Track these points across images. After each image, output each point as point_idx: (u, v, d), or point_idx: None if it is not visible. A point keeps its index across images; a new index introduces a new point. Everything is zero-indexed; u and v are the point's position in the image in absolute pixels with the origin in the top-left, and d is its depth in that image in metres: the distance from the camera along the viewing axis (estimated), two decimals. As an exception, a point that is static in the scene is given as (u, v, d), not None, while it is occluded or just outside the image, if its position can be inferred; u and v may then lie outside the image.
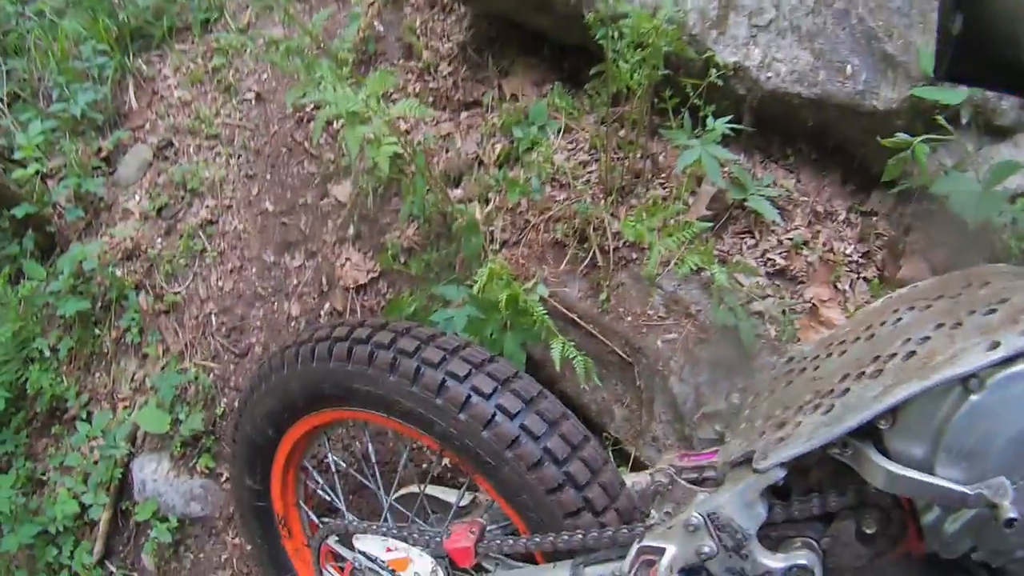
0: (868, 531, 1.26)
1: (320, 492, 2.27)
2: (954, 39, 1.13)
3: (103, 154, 3.62)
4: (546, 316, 2.06)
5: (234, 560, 2.85)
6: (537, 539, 1.56)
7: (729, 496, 1.30)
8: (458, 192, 2.76)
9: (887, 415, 1.14)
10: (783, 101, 2.48)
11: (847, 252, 2.43)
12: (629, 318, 2.40)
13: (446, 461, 2.32)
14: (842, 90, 2.45)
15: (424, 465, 2.62)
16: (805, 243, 2.44)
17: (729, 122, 2.30)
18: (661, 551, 1.38)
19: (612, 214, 2.47)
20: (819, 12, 2.49)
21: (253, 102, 3.51)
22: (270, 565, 2.33)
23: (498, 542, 1.65)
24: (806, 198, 2.54)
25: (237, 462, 2.25)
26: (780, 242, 2.46)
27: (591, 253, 2.49)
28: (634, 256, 2.46)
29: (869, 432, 1.17)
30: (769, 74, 2.48)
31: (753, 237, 2.48)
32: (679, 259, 2.13)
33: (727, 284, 2.11)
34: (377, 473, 2.10)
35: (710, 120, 2.31)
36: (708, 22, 2.47)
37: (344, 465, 2.27)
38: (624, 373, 2.36)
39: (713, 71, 2.26)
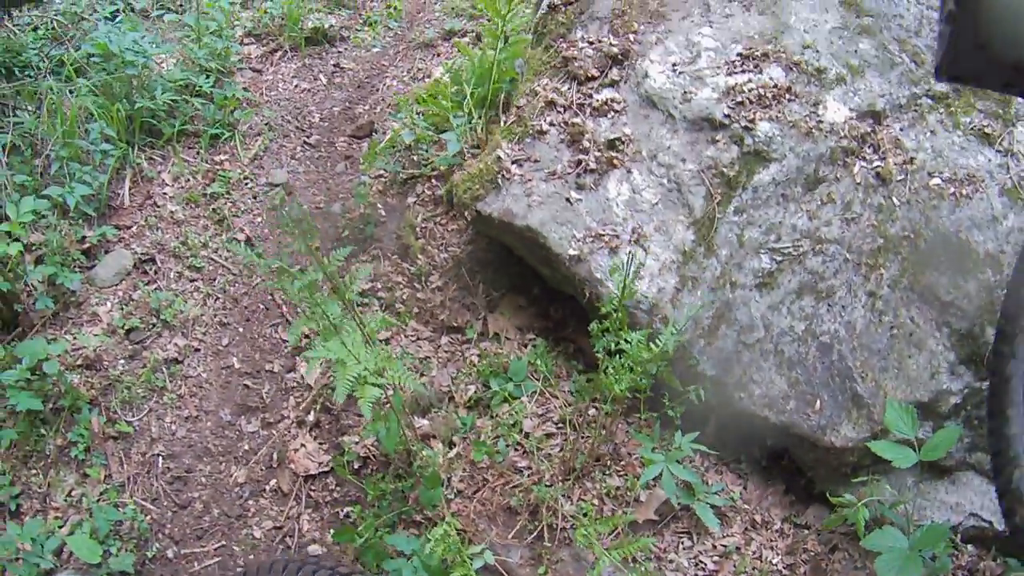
0: None
1: None
2: (954, 39, 1.16)
3: (86, 245, 3.70)
4: None
5: None
6: None
7: None
8: (424, 423, 2.89)
9: None
10: (749, 421, 2.64)
11: (774, 562, 2.59)
12: None
13: None
14: (807, 422, 2.61)
15: None
16: (737, 550, 2.60)
17: (695, 440, 2.55)
18: None
19: (566, 495, 2.63)
20: (805, 341, 2.69)
21: (242, 244, 3.54)
22: None
23: None
24: (748, 506, 2.70)
25: None
26: (714, 547, 2.62)
27: (539, 529, 2.61)
28: (578, 538, 2.55)
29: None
30: (743, 394, 2.64)
31: (691, 539, 2.63)
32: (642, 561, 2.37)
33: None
34: None
35: (678, 436, 2.53)
36: (699, 330, 2.64)
37: None
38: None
39: (691, 390, 2.46)
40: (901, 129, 2.88)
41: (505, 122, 3.03)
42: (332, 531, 2.91)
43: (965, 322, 2.64)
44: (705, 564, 2.56)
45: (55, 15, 4.53)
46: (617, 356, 2.34)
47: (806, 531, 2.66)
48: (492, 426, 2.83)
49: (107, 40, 4.14)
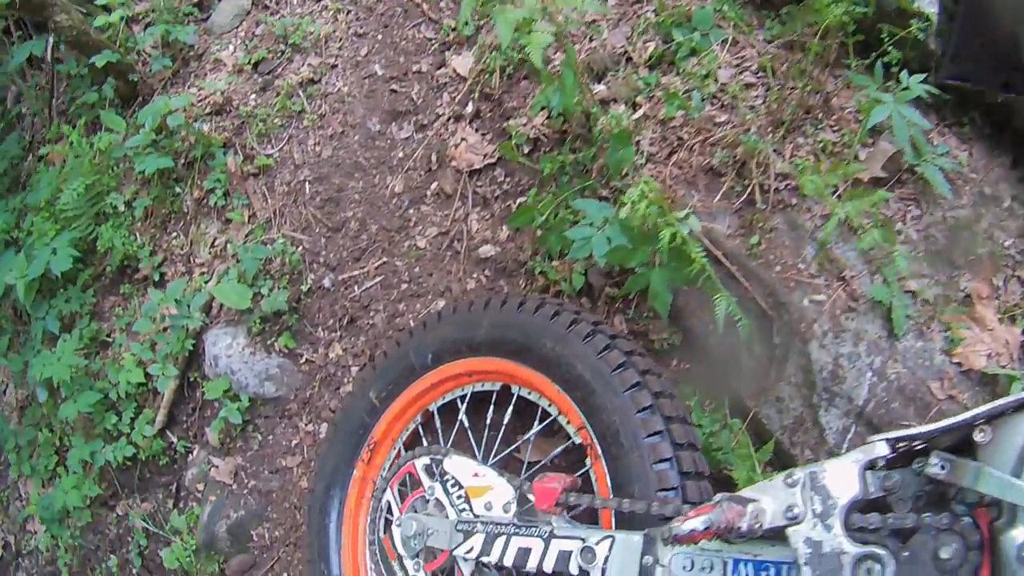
0: (944, 556, 1.37)
1: (425, 438, 2.47)
2: (954, 39, 1.21)
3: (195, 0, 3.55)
4: (707, 264, 2.08)
5: (304, 447, 2.89)
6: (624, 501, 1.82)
7: (834, 462, 1.48)
8: (600, 88, 2.73)
9: (986, 426, 1.31)
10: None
11: (1005, 244, 2.38)
12: (778, 268, 2.36)
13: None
14: None
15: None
16: (968, 226, 2.39)
17: (923, 82, 2.27)
18: (750, 501, 1.55)
19: (776, 150, 2.43)
20: None
21: None
22: (329, 475, 2.54)
23: (581, 496, 1.93)
24: (975, 175, 2.47)
25: (377, 374, 2.50)
26: (944, 218, 2.41)
27: (749, 189, 2.45)
28: (794, 201, 2.42)
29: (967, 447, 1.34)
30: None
31: (919, 207, 2.43)
32: (861, 229, 2.18)
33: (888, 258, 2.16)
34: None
35: (904, 76, 2.28)
36: None
37: (467, 423, 2.41)
38: (761, 324, 2.36)
39: (914, 22, 2.23)
40: None
41: None
42: (506, 222, 2.75)
43: None
44: (936, 239, 2.37)
45: None
46: None
47: None
48: (681, 81, 2.65)
49: None
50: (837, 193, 2.34)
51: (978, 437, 1.33)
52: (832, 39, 2.31)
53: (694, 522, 1.52)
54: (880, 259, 2.26)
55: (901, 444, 1.45)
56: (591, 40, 2.83)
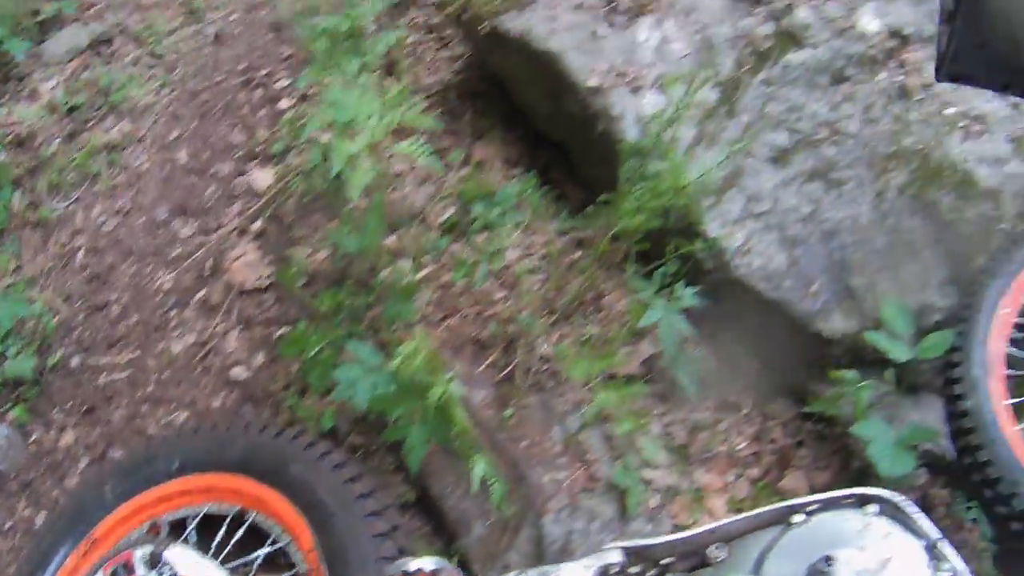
0: None
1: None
2: (954, 39, 1.21)
3: (39, 18, 3.48)
4: (469, 427, 2.24)
5: (18, 533, 2.79)
6: None
7: (568, 566, 1.60)
8: (391, 239, 2.88)
9: (723, 547, 1.43)
10: (743, 290, 2.71)
11: (740, 447, 2.65)
12: (525, 443, 2.53)
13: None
14: (800, 304, 2.69)
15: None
16: (707, 427, 2.67)
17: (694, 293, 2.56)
18: None
19: (545, 335, 2.66)
20: (810, 223, 2.76)
21: (211, 39, 3.46)
22: (39, 557, 2.44)
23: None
24: (721, 383, 2.77)
25: (118, 467, 2.54)
26: (687, 418, 2.67)
27: (511, 366, 2.63)
28: (551, 384, 2.63)
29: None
30: (742, 262, 2.71)
31: (667, 404, 2.68)
32: (617, 418, 2.42)
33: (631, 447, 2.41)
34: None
35: (679, 286, 2.54)
36: (708, 189, 2.69)
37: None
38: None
39: (699, 242, 2.54)
40: (925, 59, 2.96)
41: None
42: (269, 352, 2.78)
43: (959, 245, 2.76)
44: (676, 435, 2.62)
45: None
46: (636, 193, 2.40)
47: (770, 421, 2.74)
48: (469, 251, 2.83)
49: None
50: (589, 385, 2.57)
51: (714, 554, 1.44)
52: (621, 243, 2.58)
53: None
54: (624, 447, 2.48)
55: (634, 553, 1.56)
56: (393, 190, 2.89)
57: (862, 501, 1.35)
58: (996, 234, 2.73)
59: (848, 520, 1.34)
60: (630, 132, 2.69)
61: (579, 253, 2.80)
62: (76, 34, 3.63)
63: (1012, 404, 2.35)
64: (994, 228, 2.76)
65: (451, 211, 2.95)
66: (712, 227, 2.67)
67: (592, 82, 2.72)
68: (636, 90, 2.73)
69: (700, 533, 1.45)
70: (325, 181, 2.91)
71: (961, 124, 2.90)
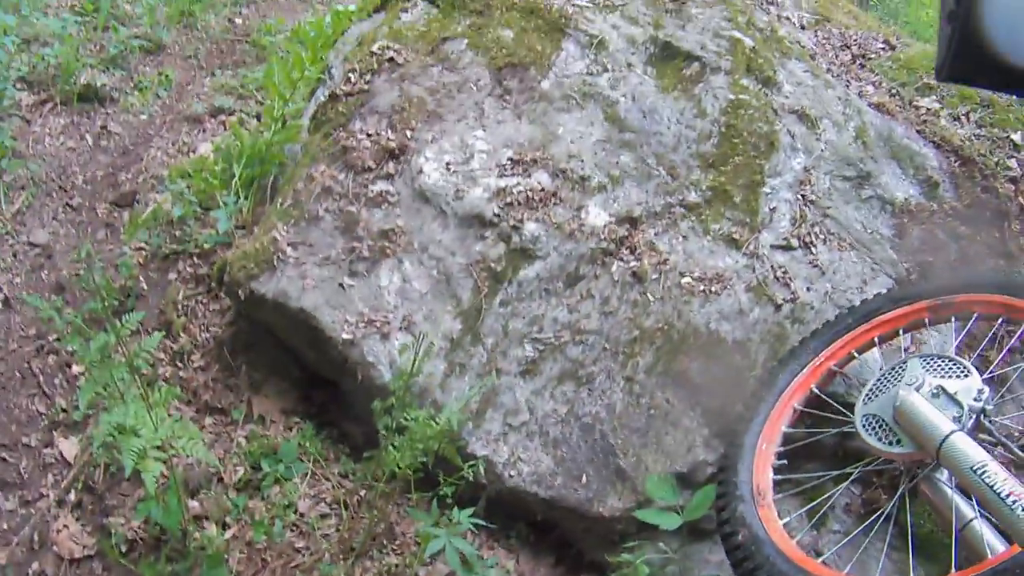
0: None
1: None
2: (954, 39, 1.24)
3: None
4: None
5: None
6: None
7: None
8: (194, 505, 3.05)
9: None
10: (520, 497, 3.01)
11: None
12: None
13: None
14: (574, 495, 2.97)
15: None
16: None
17: (472, 514, 2.83)
18: None
19: (348, 574, 2.86)
20: (568, 422, 3.09)
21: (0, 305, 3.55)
22: None
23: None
24: None
25: None
26: None
27: None
28: None
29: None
30: (512, 472, 3.01)
31: None
32: None
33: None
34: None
35: (456, 511, 2.81)
36: (468, 414, 2.97)
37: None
38: None
39: (467, 467, 2.73)
40: (656, 234, 3.34)
41: (281, 204, 3.30)
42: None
43: (716, 400, 3.10)
44: None
45: None
46: (398, 434, 2.64)
47: None
48: (265, 507, 3.05)
49: None
50: None
51: None
52: (398, 479, 2.76)
53: None
54: None
55: None
56: (188, 456, 3.06)
57: None
58: (748, 382, 3.08)
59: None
60: (385, 376, 2.96)
61: (363, 492, 3.04)
62: None
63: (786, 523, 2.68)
64: (746, 377, 3.09)
65: (242, 470, 3.14)
66: (477, 447, 2.96)
67: (346, 335, 2.99)
68: (385, 336, 3.01)
69: None
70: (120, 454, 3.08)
71: (700, 289, 3.22)
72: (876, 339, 3.00)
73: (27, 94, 5.06)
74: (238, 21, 6.30)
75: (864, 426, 2.71)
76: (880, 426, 2.67)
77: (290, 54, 3.99)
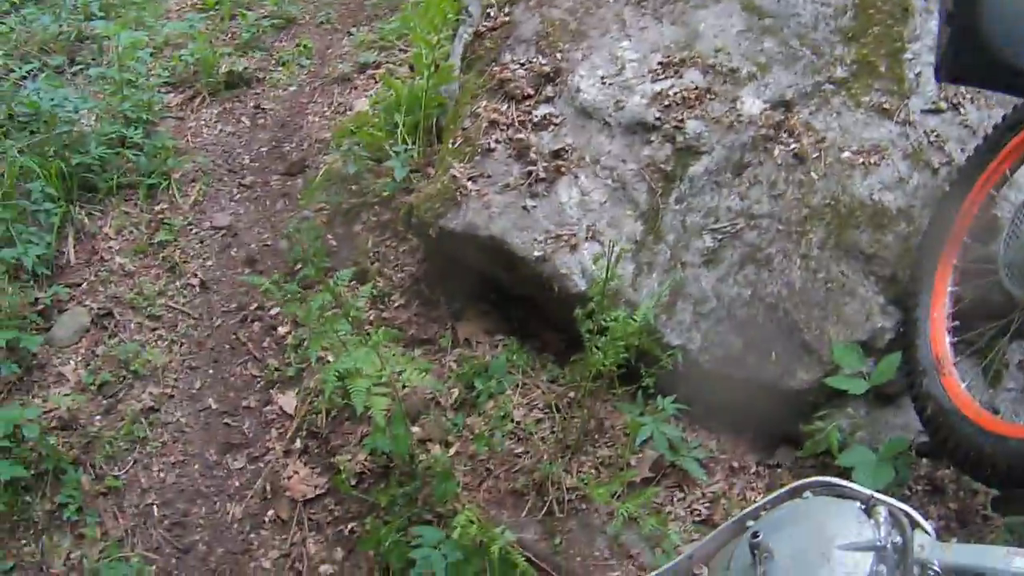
0: None
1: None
2: (954, 39, 1.35)
3: (39, 307, 4.08)
4: (528, 566, 2.82)
5: None
6: None
7: None
8: (416, 430, 3.51)
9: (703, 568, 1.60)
10: (716, 379, 3.35)
11: (757, 500, 3.09)
12: (579, 559, 3.11)
13: None
14: (766, 372, 3.30)
15: None
16: (723, 494, 3.25)
17: (674, 401, 3.23)
18: None
19: (566, 470, 3.26)
20: (753, 304, 3.42)
21: (197, 289, 4.17)
22: None
23: None
24: (725, 455, 3.38)
25: None
26: (703, 495, 3.26)
27: (547, 503, 3.22)
28: (583, 506, 3.22)
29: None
30: (707, 357, 3.35)
31: (682, 491, 3.28)
32: (640, 518, 2.97)
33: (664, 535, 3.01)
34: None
35: (659, 399, 3.23)
36: (659, 308, 3.29)
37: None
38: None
39: (665, 356, 3.12)
40: (810, 114, 3.57)
41: (453, 143, 3.59)
42: (345, 546, 3.32)
43: (888, 269, 3.35)
44: (699, 511, 3.19)
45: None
46: (600, 335, 2.99)
47: (779, 469, 3.33)
48: (483, 421, 3.49)
49: (37, 98, 4.68)
50: (619, 495, 3.12)
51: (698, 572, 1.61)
52: (603, 377, 3.15)
53: None
54: (658, 537, 3.04)
55: None
56: (404, 387, 3.43)
57: (799, 491, 1.42)
58: (914, 247, 3.32)
59: (788, 510, 1.41)
60: (580, 285, 3.33)
61: (572, 393, 3.44)
62: (77, 315, 4.23)
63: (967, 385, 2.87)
64: (912, 243, 3.28)
65: (456, 391, 3.57)
66: (672, 338, 3.32)
67: (537, 252, 3.33)
68: (573, 248, 3.35)
69: (680, 560, 1.54)
70: (344, 399, 3.45)
71: (859, 162, 3.41)
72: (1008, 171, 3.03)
73: (173, 95, 5.58)
74: (362, -23, 6.61)
75: (1007, 275, 2.78)
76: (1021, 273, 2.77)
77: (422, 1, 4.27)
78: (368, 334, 3.08)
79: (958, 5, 1.28)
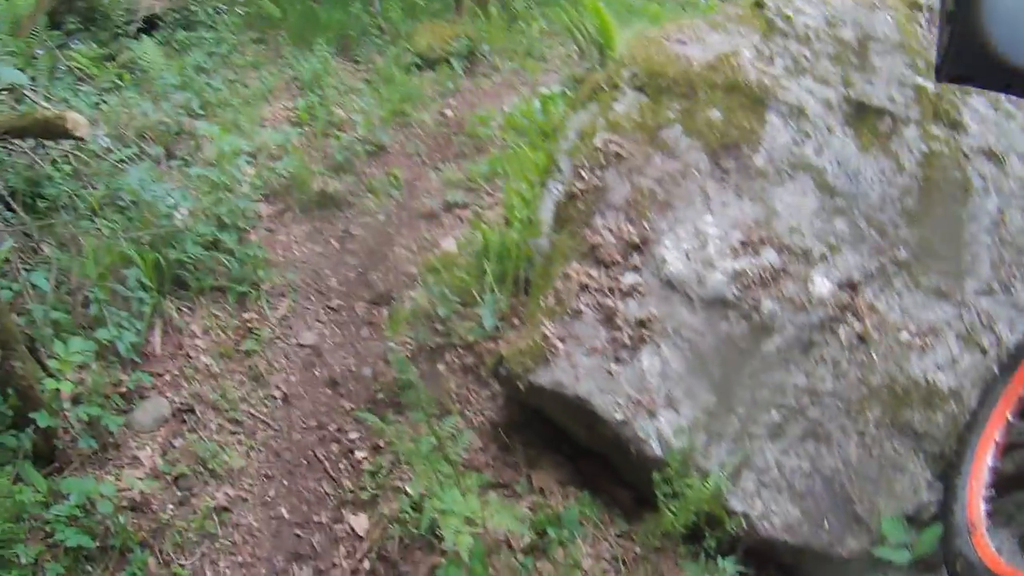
0: None
1: None
2: (954, 39, 1.32)
3: (122, 389, 4.47)
4: None
5: None
6: None
7: None
8: (489, 570, 3.65)
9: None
10: (772, 544, 3.67)
11: None
12: None
13: None
14: (818, 540, 3.61)
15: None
16: None
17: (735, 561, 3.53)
18: None
19: None
20: (811, 476, 3.78)
21: (280, 401, 4.48)
22: None
23: None
24: None
25: None
26: None
27: None
28: None
29: None
30: (766, 524, 3.69)
31: None
32: None
33: None
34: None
35: (720, 559, 3.49)
36: (727, 474, 3.61)
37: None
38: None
39: (729, 520, 3.49)
40: (874, 295, 3.86)
41: (545, 302, 3.92)
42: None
43: (937, 447, 3.71)
44: None
45: (73, 149, 5.39)
46: (674, 498, 3.38)
47: None
48: (553, 567, 3.78)
49: (139, 187, 5.02)
50: None
51: None
52: (670, 536, 3.54)
53: None
54: None
55: None
56: (495, 527, 3.73)
57: None
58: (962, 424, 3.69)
59: None
60: (656, 449, 3.66)
61: (638, 549, 3.76)
62: (158, 405, 4.53)
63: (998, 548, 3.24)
64: (961, 421, 3.59)
65: (527, 537, 3.81)
66: (736, 504, 3.64)
67: (618, 415, 3.66)
68: (652, 414, 3.69)
69: None
70: (418, 528, 3.76)
71: (917, 343, 3.73)
72: None
73: (265, 205, 5.95)
74: (448, 113, 7.09)
75: None
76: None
77: (510, 146, 4.60)
78: (460, 475, 3.40)
79: (958, 5, 1.28)
